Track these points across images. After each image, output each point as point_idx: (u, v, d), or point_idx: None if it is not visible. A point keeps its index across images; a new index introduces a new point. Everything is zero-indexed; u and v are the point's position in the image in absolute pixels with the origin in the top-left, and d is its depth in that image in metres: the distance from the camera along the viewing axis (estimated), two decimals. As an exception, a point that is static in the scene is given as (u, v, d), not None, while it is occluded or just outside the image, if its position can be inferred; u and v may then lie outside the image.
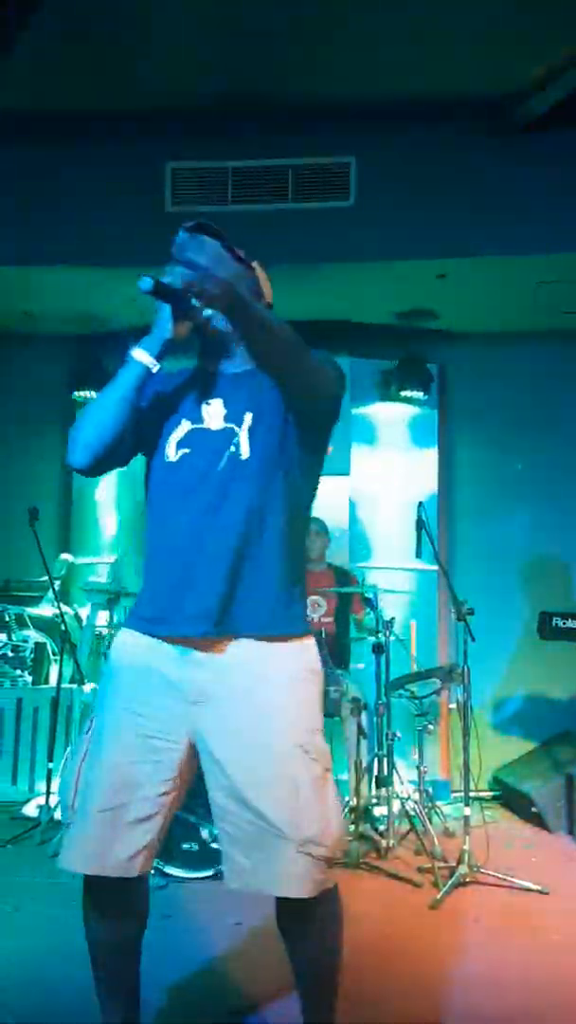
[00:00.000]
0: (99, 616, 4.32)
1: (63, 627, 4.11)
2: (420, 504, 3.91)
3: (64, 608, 4.25)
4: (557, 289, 4.61)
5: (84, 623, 4.59)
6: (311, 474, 1.86)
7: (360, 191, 4.27)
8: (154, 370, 1.75)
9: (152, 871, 3.23)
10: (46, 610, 4.73)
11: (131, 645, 1.79)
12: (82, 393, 5.25)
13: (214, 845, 3.14)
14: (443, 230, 4.24)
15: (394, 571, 4.84)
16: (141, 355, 1.74)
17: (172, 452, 1.79)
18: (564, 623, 4.22)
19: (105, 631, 4.15)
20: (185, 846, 3.31)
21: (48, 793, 3.89)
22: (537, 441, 5.18)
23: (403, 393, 5.10)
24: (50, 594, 4.43)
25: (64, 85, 3.98)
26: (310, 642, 1.80)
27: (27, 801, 4.16)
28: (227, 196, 4.31)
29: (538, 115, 4.04)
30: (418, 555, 3.86)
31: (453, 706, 4.06)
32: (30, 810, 4.06)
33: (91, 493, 5.37)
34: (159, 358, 1.75)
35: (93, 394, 5.24)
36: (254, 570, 1.73)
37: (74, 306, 4.95)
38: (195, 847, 3.29)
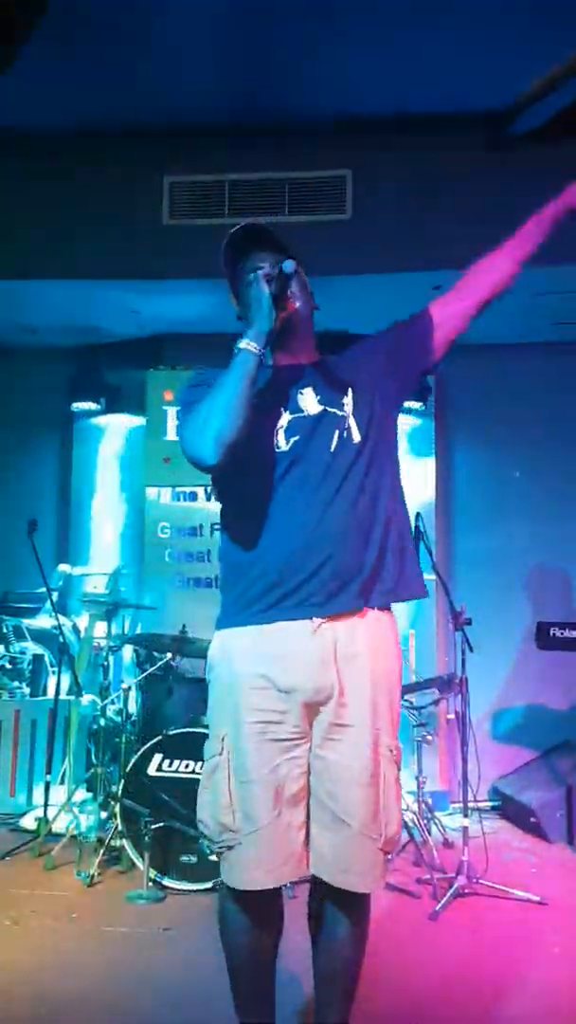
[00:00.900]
0: (97, 627, 4.32)
1: (61, 638, 4.11)
2: (418, 514, 3.92)
3: (62, 619, 4.25)
4: (553, 301, 4.63)
5: (82, 634, 4.59)
6: (396, 444, 2.00)
7: (356, 204, 4.29)
8: (263, 359, 1.82)
9: (151, 881, 3.24)
10: (44, 621, 4.72)
11: (238, 651, 1.83)
12: (80, 404, 5.27)
13: (213, 858, 3.13)
14: (439, 242, 4.26)
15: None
16: (250, 345, 1.79)
17: (283, 441, 1.85)
18: (562, 633, 4.22)
19: (103, 642, 4.15)
20: (184, 858, 3.31)
21: (46, 805, 3.88)
22: (534, 450, 5.19)
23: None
24: (48, 605, 4.42)
25: (62, 99, 4.01)
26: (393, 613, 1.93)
27: (25, 813, 4.15)
28: (224, 209, 4.34)
29: (533, 128, 4.07)
30: (416, 565, 3.86)
31: (452, 716, 4.05)
32: (28, 823, 4.04)
33: (89, 504, 5.37)
34: (266, 347, 1.82)
35: (92, 405, 5.26)
36: (383, 542, 1.84)
37: (73, 318, 4.96)
38: (194, 859, 3.29)
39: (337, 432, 1.85)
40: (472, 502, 5.25)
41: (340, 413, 1.87)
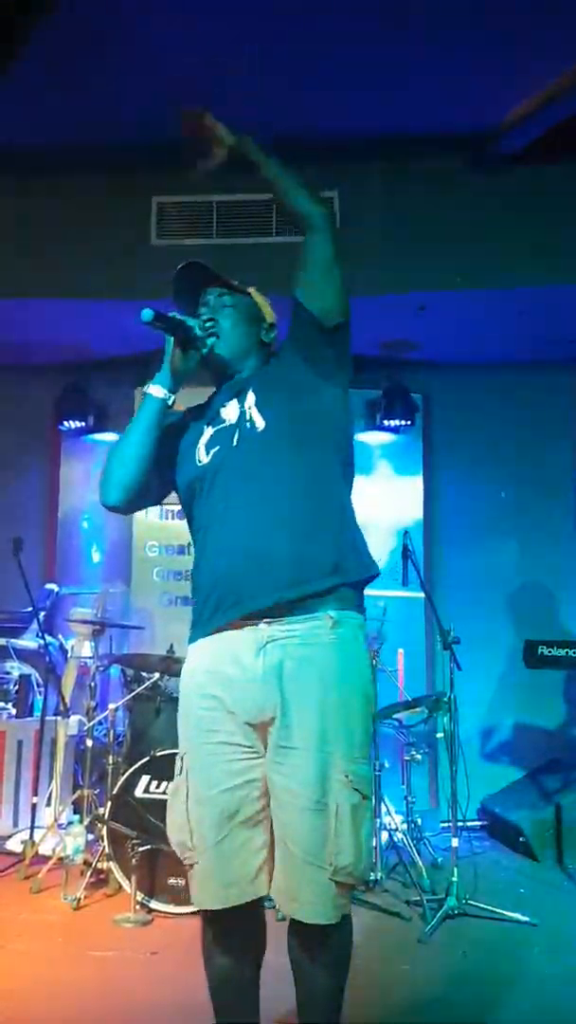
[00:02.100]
0: (84, 647, 4.29)
1: (47, 658, 4.09)
2: (406, 532, 3.93)
3: (49, 639, 4.22)
4: (538, 320, 4.68)
5: (69, 654, 4.56)
6: (339, 416, 1.91)
7: (343, 225, 4.31)
8: (170, 402, 1.88)
9: (138, 904, 3.21)
10: (30, 641, 4.69)
11: (195, 671, 1.82)
12: (68, 423, 5.26)
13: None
14: (424, 263, 4.30)
15: (380, 599, 4.83)
16: (155, 390, 1.88)
17: (203, 455, 1.87)
18: (549, 651, 4.22)
19: (90, 662, 4.12)
20: (171, 881, 3.28)
21: (32, 828, 3.84)
22: (520, 469, 5.22)
23: (388, 422, 5.15)
24: (34, 625, 4.40)
25: (51, 119, 4.03)
26: (362, 619, 1.87)
27: (11, 836, 4.11)
28: (212, 230, 4.37)
29: (519, 148, 4.12)
30: (404, 583, 3.87)
31: (440, 735, 4.04)
32: (14, 845, 4.00)
33: (76, 523, 5.36)
34: (173, 390, 1.88)
35: (80, 424, 5.26)
36: (311, 525, 1.78)
37: (61, 337, 4.97)
38: (181, 882, 3.25)
39: (238, 428, 1.84)
40: (460, 520, 5.26)
41: (242, 409, 1.87)
